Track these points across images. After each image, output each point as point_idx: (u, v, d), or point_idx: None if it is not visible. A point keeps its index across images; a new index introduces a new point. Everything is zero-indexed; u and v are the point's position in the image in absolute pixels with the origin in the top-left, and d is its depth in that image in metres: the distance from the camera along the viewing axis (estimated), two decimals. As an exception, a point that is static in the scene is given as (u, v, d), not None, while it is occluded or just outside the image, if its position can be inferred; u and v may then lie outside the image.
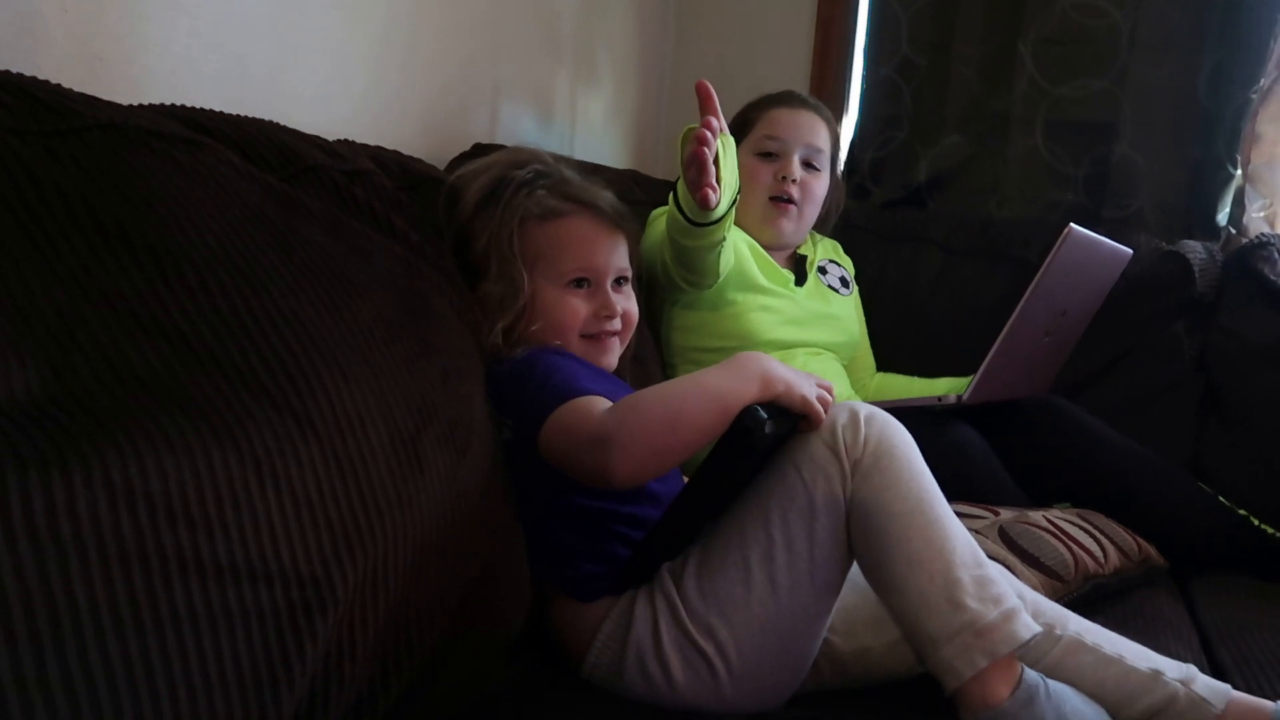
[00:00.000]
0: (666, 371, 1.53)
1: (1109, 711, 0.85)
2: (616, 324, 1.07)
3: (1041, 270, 1.27)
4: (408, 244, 0.93)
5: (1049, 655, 0.89)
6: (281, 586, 0.61)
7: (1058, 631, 0.90)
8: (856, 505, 0.85)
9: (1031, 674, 0.82)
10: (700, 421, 0.84)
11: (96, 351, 0.59)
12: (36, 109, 0.67)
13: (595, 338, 1.06)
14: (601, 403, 0.88)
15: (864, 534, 0.85)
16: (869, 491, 0.84)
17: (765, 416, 0.82)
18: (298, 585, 0.62)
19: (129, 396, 0.58)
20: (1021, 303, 1.29)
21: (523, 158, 1.09)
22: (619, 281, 1.09)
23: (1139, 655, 0.90)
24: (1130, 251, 1.47)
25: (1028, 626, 0.80)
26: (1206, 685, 0.87)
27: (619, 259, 1.08)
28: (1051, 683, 0.83)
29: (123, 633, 0.53)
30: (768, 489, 0.88)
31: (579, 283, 1.05)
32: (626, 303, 1.08)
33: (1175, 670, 0.88)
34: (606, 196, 1.09)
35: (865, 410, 0.87)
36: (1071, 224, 1.28)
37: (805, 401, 0.86)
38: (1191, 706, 0.85)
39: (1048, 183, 1.96)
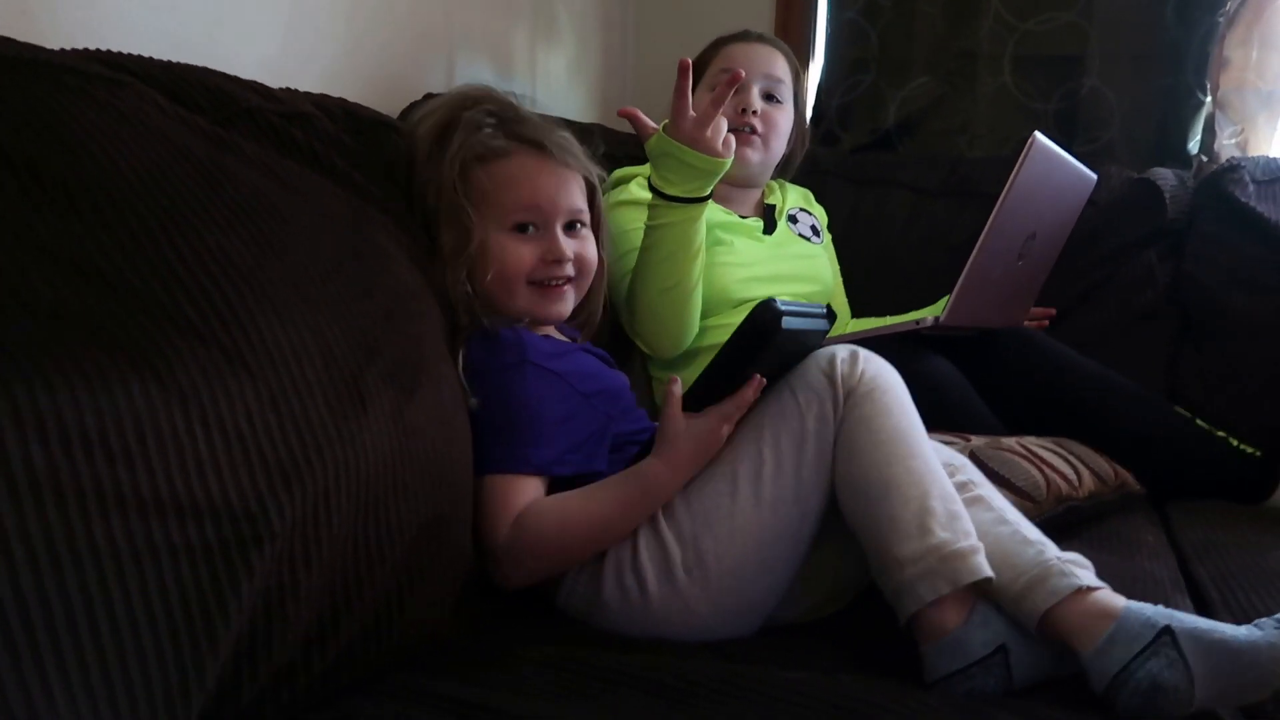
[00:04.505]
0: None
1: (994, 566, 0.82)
2: (568, 269, 1.00)
3: (1010, 180, 1.25)
4: (351, 185, 0.90)
5: None
6: (211, 521, 0.59)
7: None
8: (845, 431, 0.87)
9: (985, 603, 0.81)
10: (592, 550, 0.89)
11: (6, 287, 0.56)
12: (-64, 44, 0.65)
13: (543, 285, 1.00)
14: (525, 493, 0.89)
15: (848, 457, 0.86)
16: (859, 418, 0.86)
17: (781, 310, 0.81)
18: (229, 519, 0.60)
19: (39, 329, 0.56)
20: (992, 216, 1.27)
21: (473, 96, 1.04)
22: (572, 225, 1.03)
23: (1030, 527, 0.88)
24: (1094, 176, 1.46)
25: (989, 567, 0.81)
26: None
27: (569, 199, 1.01)
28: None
29: (36, 566, 0.50)
30: (763, 410, 0.90)
31: (525, 227, 0.99)
32: (580, 246, 1.02)
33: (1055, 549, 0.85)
34: (558, 135, 1.03)
35: (865, 352, 0.90)
36: (1037, 132, 1.26)
37: (722, 428, 0.88)
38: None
39: (1018, 120, 1.95)
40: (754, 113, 1.50)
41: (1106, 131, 1.87)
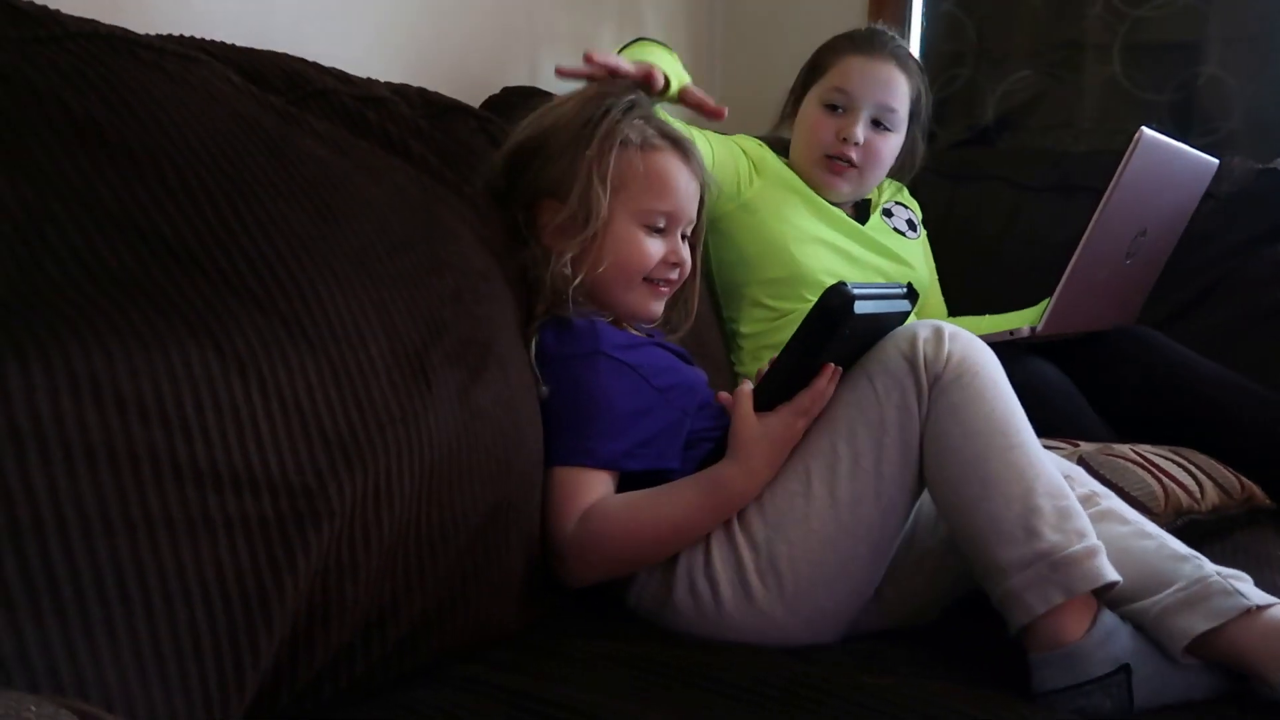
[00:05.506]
0: (726, 326, 1.46)
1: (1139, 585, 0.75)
2: (676, 274, 1.00)
3: (1113, 181, 1.17)
4: (424, 167, 0.88)
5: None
6: (269, 495, 0.57)
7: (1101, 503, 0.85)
8: (933, 422, 0.79)
9: (1110, 614, 0.74)
10: (661, 555, 0.85)
11: (66, 249, 0.56)
12: (17, 17, 0.65)
13: (655, 283, 0.99)
14: (593, 488, 0.85)
15: (938, 452, 0.79)
16: (947, 408, 0.78)
17: (854, 294, 0.74)
18: (287, 495, 0.58)
19: (99, 293, 0.55)
20: (1094, 219, 1.19)
21: (618, 88, 1.02)
22: (683, 233, 1.02)
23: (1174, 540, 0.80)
24: (1215, 161, 1.35)
25: (1112, 570, 0.73)
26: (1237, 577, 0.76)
27: (693, 209, 1.01)
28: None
29: (89, 532, 0.49)
30: (837, 399, 0.83)
31: (655, 225, 0.97)
32: (689, 255, 1.02)
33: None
34: (691, 142, 1.02)
35: (950, 328, 0.81)
36: (1144, 127, 1.17)
37: (799, 424, 0.83)
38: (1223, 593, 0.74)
39: (1128, 112, 1.84)
40: (856, 144, 1.40)
41: (1227, 121, 1.76)
